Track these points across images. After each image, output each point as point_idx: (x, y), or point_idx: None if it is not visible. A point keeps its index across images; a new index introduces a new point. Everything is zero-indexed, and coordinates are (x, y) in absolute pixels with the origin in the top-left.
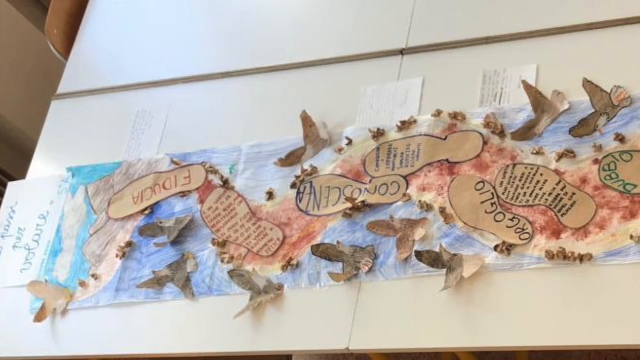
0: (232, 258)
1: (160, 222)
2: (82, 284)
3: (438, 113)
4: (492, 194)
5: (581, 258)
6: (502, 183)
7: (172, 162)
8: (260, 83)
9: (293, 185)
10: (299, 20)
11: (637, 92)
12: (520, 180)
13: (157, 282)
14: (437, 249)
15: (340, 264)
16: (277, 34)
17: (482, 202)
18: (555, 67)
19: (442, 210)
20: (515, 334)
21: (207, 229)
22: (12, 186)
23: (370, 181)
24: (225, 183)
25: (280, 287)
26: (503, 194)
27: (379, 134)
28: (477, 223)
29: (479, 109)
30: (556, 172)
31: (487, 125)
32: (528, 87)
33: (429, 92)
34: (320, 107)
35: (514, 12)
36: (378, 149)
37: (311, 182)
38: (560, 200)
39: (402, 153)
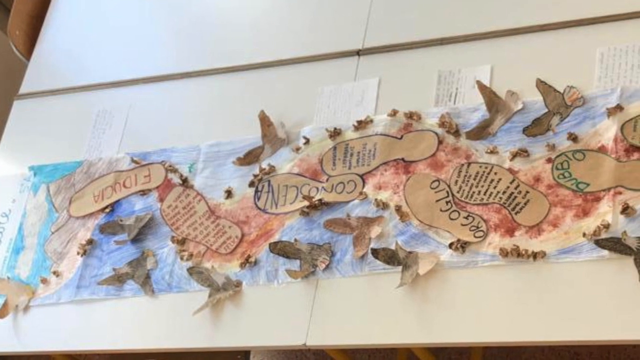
0: (191, 255)
1: (121, 220)
2: (44, 281)
3: (394, 113)
4: (447, 192)
5: (534, 255)
6: (456, 181)
7: (132, 161)
8: (218, 83)
9: (251, 184)
10: (257, 21)
11: (590, 92)
12: (474, 179)
13: (118, 279)
14: (392, 247)
15: (298, 261)
16: (235, 35)
17: (437, 201)
18: (509, 67)
19: (398, 209)
20: (470, 330)
21: (167, 226)
22: None
23: (327, 180)
24: (185, 181)
25: (238, 284)
26: (458, 192)
27: (335, 133)
28: (432, 221)
29: (434, 109)
30: (510, 170)
31: (442, 124)
32: (482, 87)
33: (384, 92)
34: (278, 106)
35: (469, 14)
36: (335, 148)
37: (269, 181)
38: (514, 199)
39: (359, 152)
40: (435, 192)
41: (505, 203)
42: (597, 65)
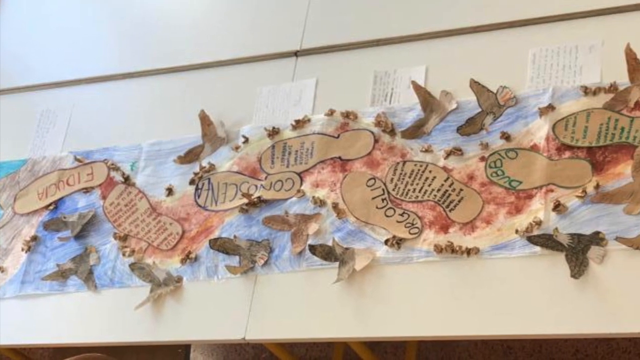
0: (133, 251)
1: (64, 217)
2: None
3: (331, 112)
4: (383, 189)
5: (468, 251)
6: (392, 179)
7: (76, 159)
8: (160, 83)
9: (191, 182)
10: (197, 23)
11: (522, 92)
12: (409, 177)
13: (61, 275)
14: (330, 243)
15: (237, 257)
16: (176, 36)
17: (373, 198)
18: (444, 68)
19: (335, 206)
20: (405, 325)
21: (109, 223)
22: None
23: (266, 178)
24: (127, 179)
25: (179, 280)
26: (393, 190)
27: (274, 132)
28: (368, 218)
29: (370, 109)
30: (444, 169)
31: (378, 124)
32: (417, 87)
33: (322, 92)
34: (218, 106)
35: (404, 16)
36: (273, 146)
37: (209, 179)
38: (448, 196)
39: (297, 151)
40: (372, 189)
41: (439, 200)
42: (530, 65)
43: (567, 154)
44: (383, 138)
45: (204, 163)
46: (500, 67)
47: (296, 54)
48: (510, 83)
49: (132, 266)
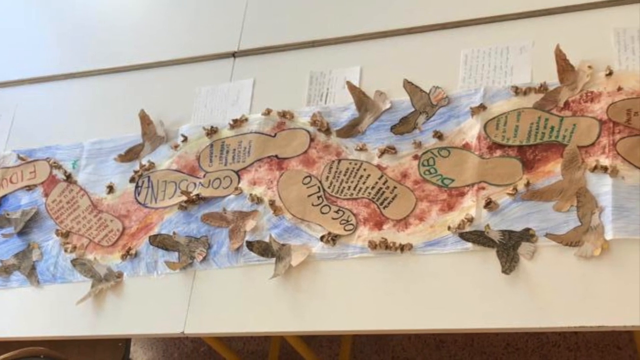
0: (74, 248)
1: (7, 214)
2: None
3: (268, 112)
4: (319, 187)
5: (402, 248)
6: (327, 177)
7: (19, 157)
8: (101, 84)
9: (132, 180)
10: (137, 24)
11: (455, 92)
12: (344, 175)
13: (4, 270)
14: (267, 239)
15: (176, 253)
16: (116, 37)
17: (309, 195)
18: (378, 68)
19: (272, 203)
20: (340, 319)
21: (51, 220)
22: None
23: (204, 175)
24: (68, 177)
25: (119, 275)
26: (329, 187)
27: (212, 131)
28: (304, 215)
29: (306, 108)
30: (378, 167)
31: (313, 123)
32: (352, 88)
33: (259, 92)
34: (157, 106)
35: (339, 17)
36: (211, 145)
37: (149, 177)
38: (382, 194)
39: (234, 149)
40: (307, 187)
41: (374, 198)
42: (462, 66)
43: (498, 152)
44: (319, 137)
45: (144, 161)
46: (433, 68)
47: (234, 54)
48: (442, 83)
49: (74, 262)
